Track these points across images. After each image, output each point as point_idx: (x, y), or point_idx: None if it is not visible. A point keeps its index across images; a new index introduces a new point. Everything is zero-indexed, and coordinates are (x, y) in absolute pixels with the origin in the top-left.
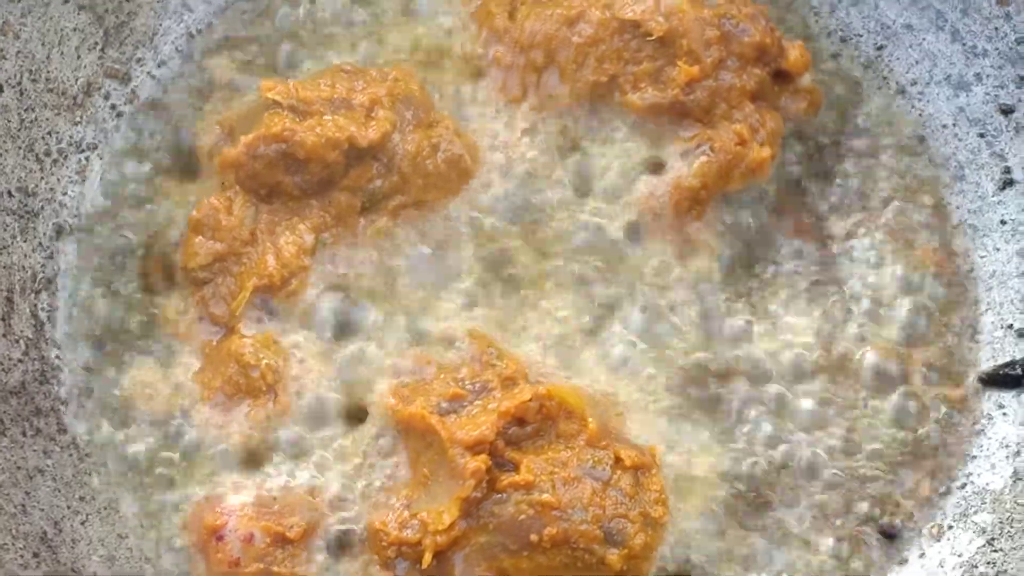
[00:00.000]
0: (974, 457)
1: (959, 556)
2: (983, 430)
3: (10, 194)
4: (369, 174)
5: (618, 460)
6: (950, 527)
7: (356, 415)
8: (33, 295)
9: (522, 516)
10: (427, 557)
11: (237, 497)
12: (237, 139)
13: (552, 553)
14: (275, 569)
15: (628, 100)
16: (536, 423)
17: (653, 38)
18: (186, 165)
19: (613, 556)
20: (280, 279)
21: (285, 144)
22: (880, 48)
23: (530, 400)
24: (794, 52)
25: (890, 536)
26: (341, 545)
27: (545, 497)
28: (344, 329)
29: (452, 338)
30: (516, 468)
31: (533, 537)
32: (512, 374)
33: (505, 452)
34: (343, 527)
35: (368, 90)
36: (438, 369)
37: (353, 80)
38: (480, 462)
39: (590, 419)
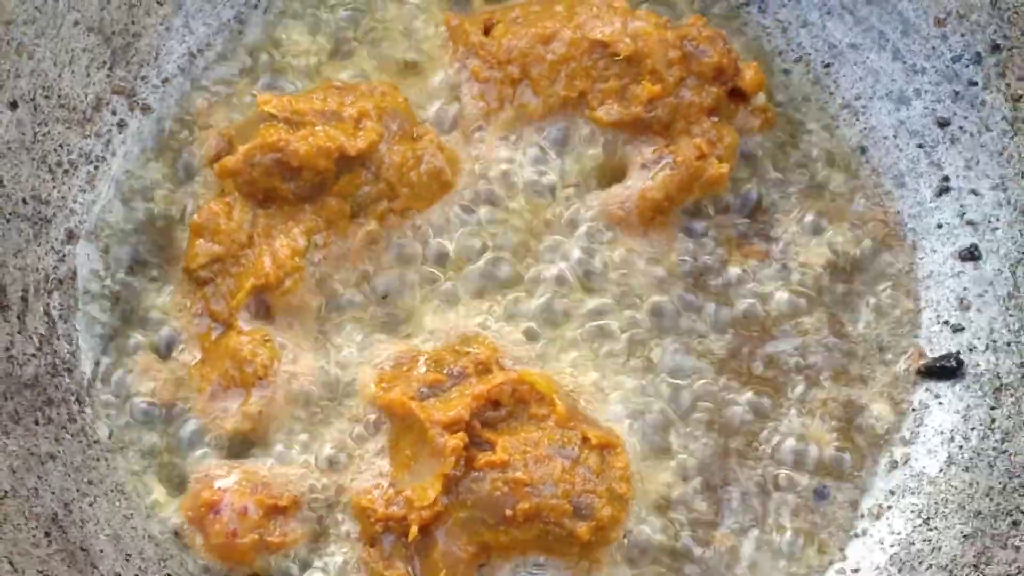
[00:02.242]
0: (912, 443)
1: (897, 534)
2: (921, 418)
3: (25, 201)
4: (358, 181)
5: (585, 440)
6: (889, 507)
7: (342, 404)
8: (46, 295)
9: (497, 492)
10: (413, 531)
11: (231, 477)
12: (235, 148)
13: (526, 527)
14: (268, 539)
15: (595, 115)
16: (509, 406)
17: (620, 58)
18: (187, 173)
19: (582, 528)
20: (276, 279)
21: (280, 153)
22: (827, 66)
23: (503, 384)
24: (749, 72)
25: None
26: (326, 519)
27: (518, 475)
28: (333, 325)
29: (432, 329)
30: (492, 448)
31: (508, 512)
32: (486, 360)
33: (482, 433)
34: (329, 502)
35: (357, 104)
36: (417, 357)
37: (343, 95)
38: (458, 439)
39: (558, 402)
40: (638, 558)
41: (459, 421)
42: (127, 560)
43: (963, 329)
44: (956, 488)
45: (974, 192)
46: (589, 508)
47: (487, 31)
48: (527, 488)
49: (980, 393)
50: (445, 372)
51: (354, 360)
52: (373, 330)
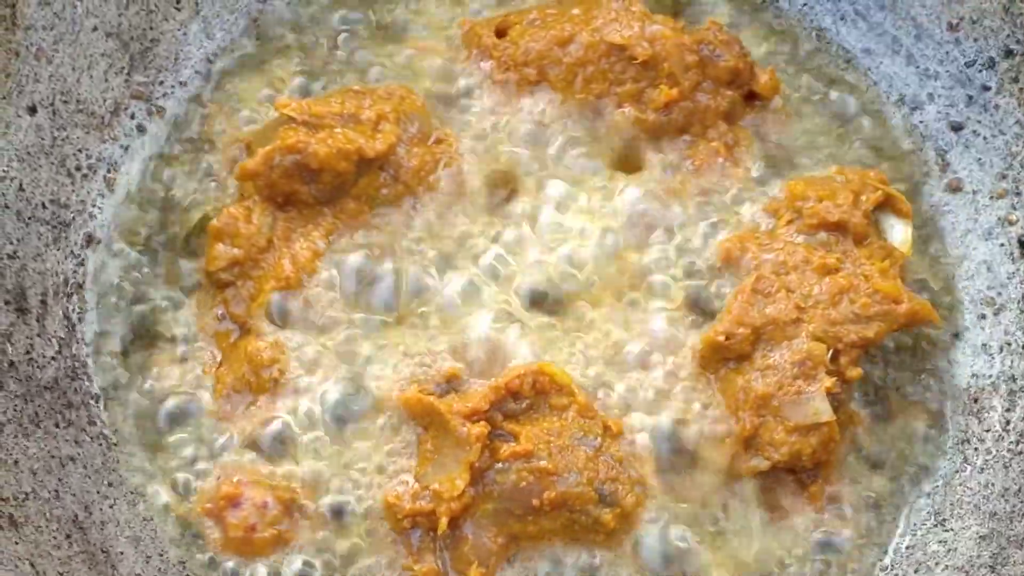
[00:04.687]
0: (929, 444)
1: (914, 534)
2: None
3: (44, 206)
4: (376, 183)
5: (607, 428)
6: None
7: (360, 406)
8: (65, 298)
9: (523, 483)
10: (443, 523)
11: (251, 472)
12: (255, 152)
13: (553, 516)
14: (286, 535)
15: (611, 118)
16: (530, 397)
17: (638, 61)
18: (206, 178)
19: (607, 515)
20: (296, 282)
21: (299, 155)
22: (842, 71)
23: (522, 375)
24: (764, 76)
25: None
26: (343, 514)
27: (543, 464)
28: (351, 327)
29: (449, 327)
30: (516, 439)
31: (535, 502)
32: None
33: (504, 425)
34: (347, 501)
35: (375, 107)
36: (436, 355)
37: (361, 98)
38: (481, 427)
39: (578, 392)
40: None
41: (479, 411)
42: (147, 562)
43: (979, 333)
44: (971, 489)
45: (988, 196)
46: (613, 495)
47: (501, 34)
48: (552, 477)
49: (995, 396)
50: (463, 369)
51: (373, 360)
52: (393, 330)
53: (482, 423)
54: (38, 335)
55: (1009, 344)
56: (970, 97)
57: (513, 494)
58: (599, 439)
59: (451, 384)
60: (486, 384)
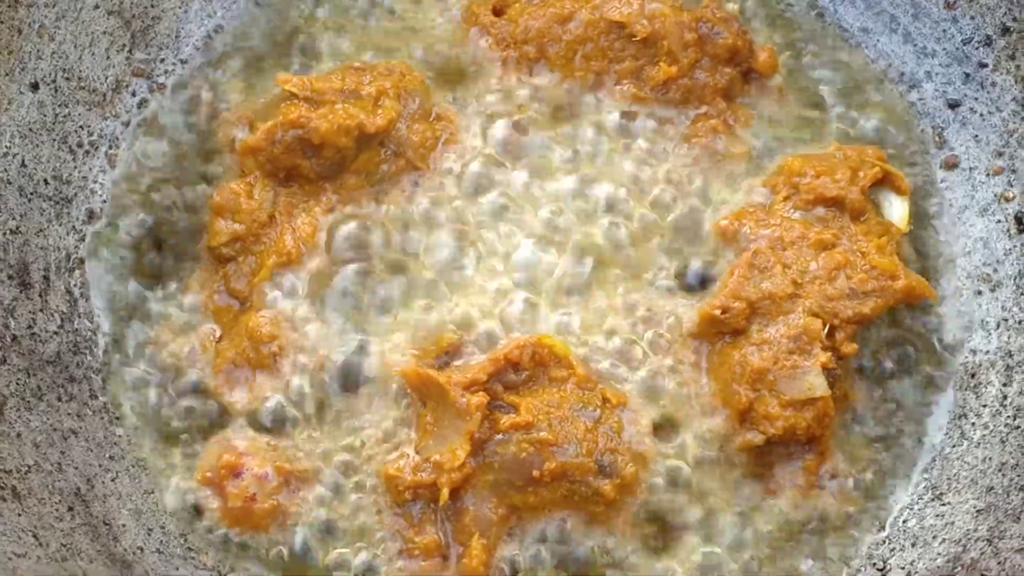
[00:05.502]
0: (927, 419)
1: (911, 508)
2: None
3: (46, 182)
4: (377, 159)
5: (605, 400)
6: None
7: (359, 380)
8: (67, 273)
9: (523, 454)
10: (444, 494)
11: (252, 442)
12: (256, 128)
13: (553, 487)
14: (286, 506)
15: (611, 95)
16: (529, 369)
17: (637, 39)
18: (208, 154)
19: (606, 486)
20: (297, 257)
21: (301, 130)
22: (840, 50)
23: (521, 347)
24: (763, 54)
25: None
26: (343, 487)
27: (543, 435)
28: (350, 300)
29: (449, 300)
30: (516, 410)
31: (535, 472)
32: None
33: (503, 397)
34: (347, 473)
35: (375, 83)
36: (435, 328)
37: (361, 75)
38: (480, 397)
39: (576, 364)
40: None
41: (478, 382)
42: (149, 534)
43: (975, 309)
44: (969, 464)
45: (985, 173)
46: (613, 466)
47: (499, 12)
48: (552, 448)
49: (992, 371)
50: (463, 340)
51: (372, 335)
52: (391, 305)
53: (481, 393)
54: (40, 310)
55: (1006, 320)
56: (967, 75)
57: (513, 465)
58: (598, 410)
59: (451, 357)
60: (486, 357)
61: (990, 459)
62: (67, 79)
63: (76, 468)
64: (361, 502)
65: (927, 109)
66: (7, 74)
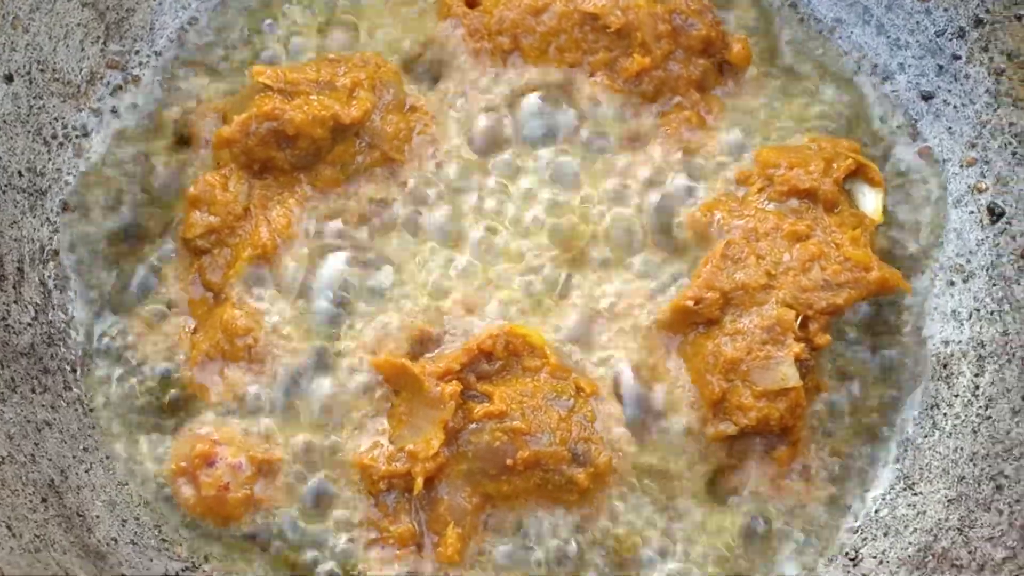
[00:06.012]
0: (899, 409)
1: (883, 498)
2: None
3: (20, 174)
4: (352, 150)
5: (579, 389)
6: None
7: (333, 371)
8: (41, 265)
9: (497, 443)
10: (418, 483)
11: (225, 431)
12: (231, 120)
13: (526, 476)
14: (259, 496)
15: (584, 87)
16: (503, 359)
17: (611, 30)
18: (182, 146)
19: (580, 475)
20: (272, 249)
21: (276, 122)
22: (814, 41)
23: (495, 336)
24: (737, 45)
25: None
26: (318, 477)
27: (516, 424)
28: (325, 292)
29: (423, 292)
30: (489, 399)
31: (508, 461)
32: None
33: (477, 386)
34: (325, 461)
35: (350, 74)
36: (409, 318)
37: (336, 66)
38: (454, 386)
39: (550, 354)
40: None
41: (451, 372)
42: (123, 525)
43: (948, 299)
44: (940, 454)
45: (958, 164)
46: (586, 455)
47: (473, 3)
48: (526, 437)
49: (964, 361)
50: (434, 330)
51: (345, 325)
52: (364, 296)
53: (455, 382)
54: (14, 302)
55: (978, 311)
56: (940, 67)
57: (487, 454)
58: (572, 399)
59: (424, 347)
60: (459, 346)
61: (961, 449)
62: (41, 71)
63: (50, 459)
64: (336, 492)
65: (900, 101)
66: None
